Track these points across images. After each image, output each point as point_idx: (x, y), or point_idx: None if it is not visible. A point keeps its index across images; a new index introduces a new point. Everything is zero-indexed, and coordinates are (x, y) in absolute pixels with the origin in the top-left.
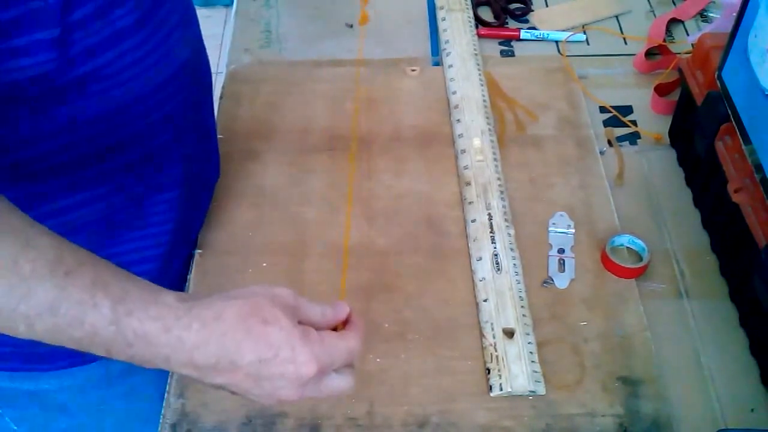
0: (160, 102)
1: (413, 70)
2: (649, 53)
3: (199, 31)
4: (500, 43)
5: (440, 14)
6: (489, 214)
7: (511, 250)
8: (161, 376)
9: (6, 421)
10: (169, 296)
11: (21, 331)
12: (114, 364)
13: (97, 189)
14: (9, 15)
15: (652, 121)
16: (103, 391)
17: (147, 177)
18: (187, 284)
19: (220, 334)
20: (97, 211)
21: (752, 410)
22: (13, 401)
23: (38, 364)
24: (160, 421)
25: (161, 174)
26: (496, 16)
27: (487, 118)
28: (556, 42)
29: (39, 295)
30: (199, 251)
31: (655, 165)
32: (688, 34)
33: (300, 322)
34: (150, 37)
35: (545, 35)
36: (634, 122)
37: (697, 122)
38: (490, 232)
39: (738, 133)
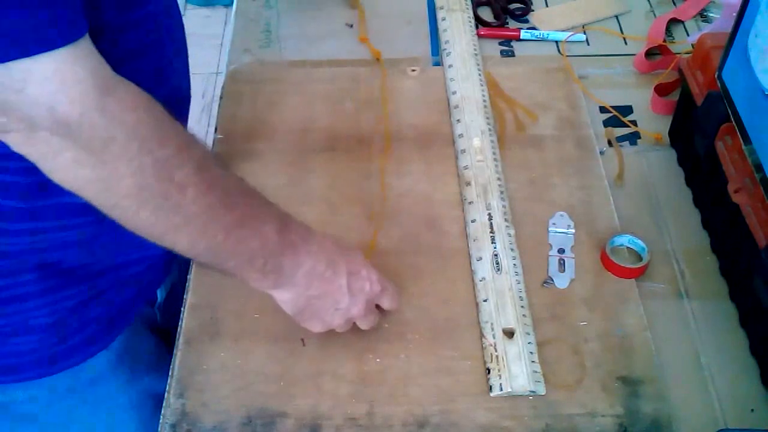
0: None
1: (413, 70)
2: (649, 53)
3: (188, 62)
4: (500, 43)
5: (440, 14)
6: (489, 214)
7: (511, 250)
8: (130, 384)
9: None
10: (296, 220)
11: (218, 240)
12: (82, 373)
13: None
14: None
15: (652, 121)
16: (72, 401)
17: None
18: (187, 284)
19: (329, 253)
20: (86, 233)
21: (752, 410)
22: None
23: (6, 375)
24: (160, 420)
25: None
26: (496, 16)
27: (487, 118)
28: (556, 42)
29: (236, 211)
30: None
31: (655, 165)
32: (688, 34)
33: None
34: (156, 61)
35: (545, 35)
36: (634, 122)
37: (697, 122)
38: (490, 232)
39: (738, 133)
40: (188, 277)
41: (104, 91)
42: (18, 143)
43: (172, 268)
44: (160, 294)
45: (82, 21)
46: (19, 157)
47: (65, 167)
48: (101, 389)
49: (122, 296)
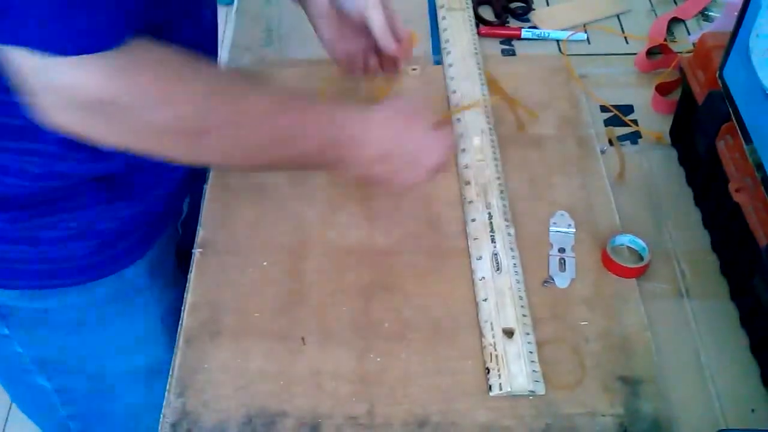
0: None
1: (414, 69)
2: (650, 52)
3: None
4: (501, 42)
5: (440, 13)
6: (489, 214)
7: (511, 249)
8: (162, 296)
9: (13, 343)
10: (350, 114)
11: (264, 158)
12: (125, 283)
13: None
14: None
15: (653, 120)
16: (115, 307)
17: None
18: (187, 284)
19: (390, 133)
20: None
21: (753, 410)
22: (21, 322)
23: (48, 280)
24: (161, 420)
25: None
26: (496, 15)
27: (487, 117)
28: (557, 41)
29: (275, 129)
30: (200, 250)
31: (656, 164)
32: (689, 34)
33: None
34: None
35: (546, 34)
36: (635, 121)
37: (698, 121)
38: (490, 232)
39: (739, 133)
40: (189, 276)
41: (123, 72)
42: (65, 121)
43: (196, 183)
44: (185, 208)
45: (121, 30)
46: None
47: (104, 133)
48: (140, 299)
49: (160, 207)
